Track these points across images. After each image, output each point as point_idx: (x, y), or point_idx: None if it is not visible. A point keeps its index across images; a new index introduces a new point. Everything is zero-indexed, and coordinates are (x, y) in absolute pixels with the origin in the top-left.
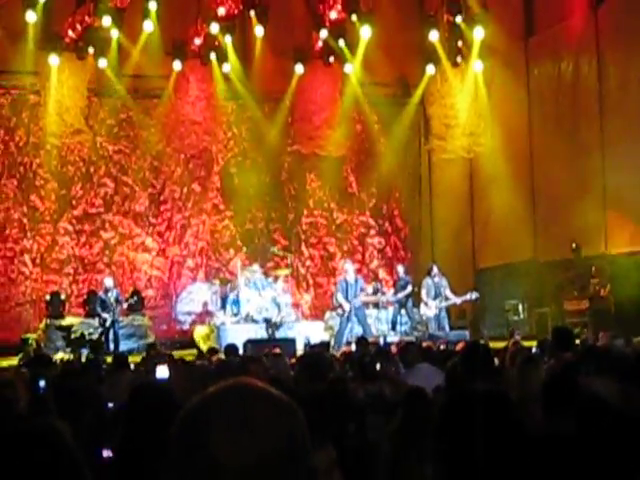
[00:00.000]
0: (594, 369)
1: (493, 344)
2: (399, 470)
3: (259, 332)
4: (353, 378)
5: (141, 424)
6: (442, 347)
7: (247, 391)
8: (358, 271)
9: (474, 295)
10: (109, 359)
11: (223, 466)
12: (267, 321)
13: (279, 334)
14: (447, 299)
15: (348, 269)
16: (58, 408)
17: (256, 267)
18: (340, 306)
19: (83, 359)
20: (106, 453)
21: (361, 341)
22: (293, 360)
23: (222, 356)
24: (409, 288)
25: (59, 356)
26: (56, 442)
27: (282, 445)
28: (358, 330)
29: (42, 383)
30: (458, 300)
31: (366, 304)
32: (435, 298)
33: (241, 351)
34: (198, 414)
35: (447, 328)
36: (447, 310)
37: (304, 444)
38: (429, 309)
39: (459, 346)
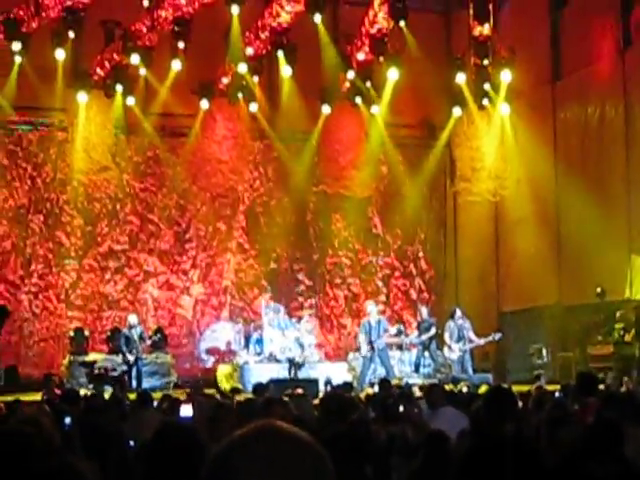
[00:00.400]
0: (618, 414)
1: (517, 388)
2: None
3: (282, 372)
4: (375, 420)
5: (165, 465)
6: (464, 389)
7: (274, 434)
8: (382, 312)
9: (497, 336)
10: (132, 396)
11: None
12: (290, 361)
13: (301, 374)
14: (470, 341)
15: (371, 311)
16: (82, 445)
17: (280, 307)
18: (360, 347)
19: (106, 396)
20: None
21: (384, 383)
22: (316, 401)
23: (247, 395)
24: (433, 330)
25: (82, 392)
26: None
27: None
28: (381, 371)
29: (68, 420)
30: (482, 342)
31: (390, 345)
32: (458, 341)
33: None
34: (226, 457)
35: (470, 371)
36: (471, 353)
37: None
38: (452, 352)
39: (482, 389)
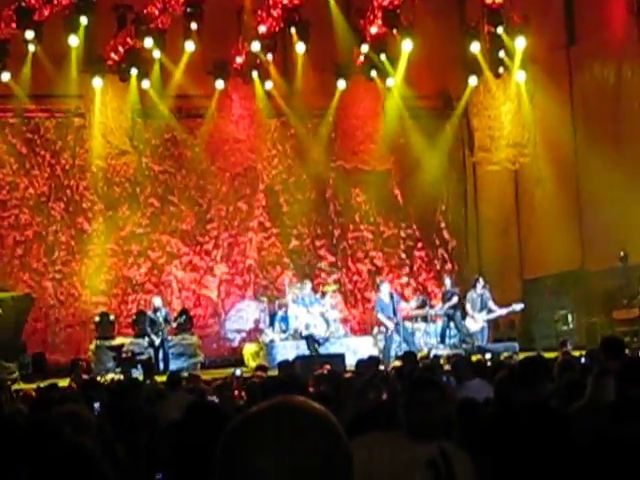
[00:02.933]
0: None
1: (545, 354)
2: None
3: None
4: (403, 393)
5: (195, 442)
6: (488, 357)
7: (289, 409)
8: (406, 284)
9: (518, 306)
10: (160, 378)
11: None
12: (307, 338)
13: (329, 350)
14: (491, 311)
15: (383, 289)
16: (113, 430)
17: (307, 283)
18: (383, 324)
19: (134, 379)
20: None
21: (409, 356)
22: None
23: (274, 372)
24: (454, 299)
25: (109, 377)
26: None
27: (317, 463)
28: (404, 346)
29: (97, 405)
30: (503, 312)
31: (414, 317)
32: (480, 311)
33: None
34: (239, 432)
35: (485, 340)
36: (492, 322)
37: (342, 464)
38: (476, 322)
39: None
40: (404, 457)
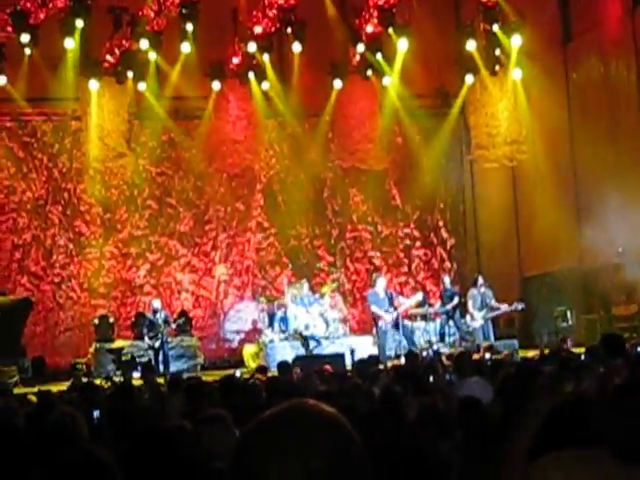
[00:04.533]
0: None
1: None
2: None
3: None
4: (405, 391)
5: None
6: (487, 356)
7: (303, 413)
8: (405, 283)
9: (520, 305)
10: (161, 380)
11: None
12: (303, 338)
13: (329, 349)
14: (492, 310)
15: (378, 284)
16: (113, 433)
17: (304, 284)
18: (379, 318)
19: (134, 382)
20: None
21: (411, 354)
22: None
23: (274, 373)
24: (456, 299)
25: (108, 380)
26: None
27: (330, 463)
28: (404, 343)
29: (96, 413)
30: (504, 310)
31: (414, 316)
32: (481, 309)
33: None
34: (254, 437)
35: (492, 338)
36: (493, 320)
37: (356, 462)
38: (475, 320)
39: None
40: None
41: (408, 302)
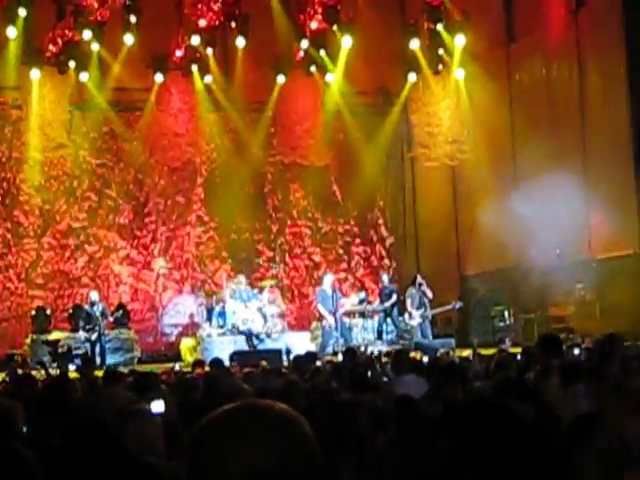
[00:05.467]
0: None
1: (482, 351)
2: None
3: (245, 344)
4: (343, 389)
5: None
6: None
7: (256, 411)
8: (344, 280)
9: (457, 304)
10: (99, 373)
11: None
12: (246, 334)
13: (267, 345)
14: (430, 309)
15: (326, 281)
16: (47, 426)
17: (242, 278)
18: (323, 317)
19: (70, 374)
20: None
21: (349, 351)
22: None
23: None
24: (394, 297)
25: (43, 372)
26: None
27: (283, 458)
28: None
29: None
30: (441, 310)
31: (352, 313)
32: (419, 308)
33: (227, 363)
34: (207, 436)
35: (430, 337)
36: (431, 319)
37: (309, 457)
38: (413, 319)
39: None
40: None
41: (350, 301)
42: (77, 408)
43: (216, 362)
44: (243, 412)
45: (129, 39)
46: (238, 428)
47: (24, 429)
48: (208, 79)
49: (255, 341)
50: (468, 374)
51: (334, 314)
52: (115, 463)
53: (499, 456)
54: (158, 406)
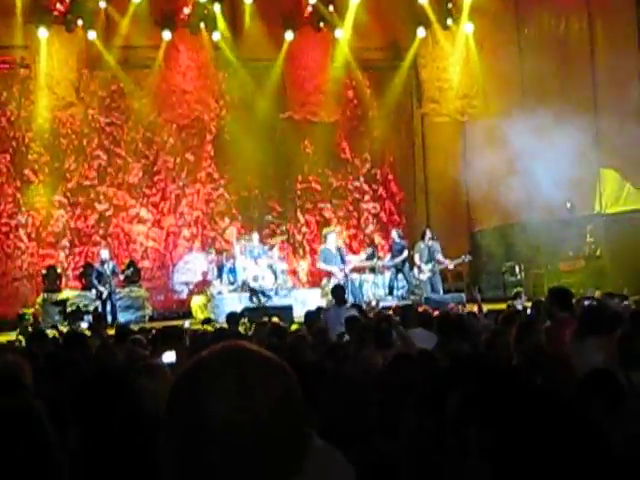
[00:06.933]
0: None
1: (492, 306)
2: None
3: (249, 300)
4: (360, 344)
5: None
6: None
7: (240, 352)
8: (354, 236)
9: (467, 258)
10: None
11: (217, 424)
12: (251, 290)
13: (277, 302)
14: (439, 263)
15: (329, 239)
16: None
17: (254, 236)
18: (332, 274)
19: (81, 332)
20: None
21: (355, 307)
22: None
23: (222, 325)
24: (405, 253)
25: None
26: (32, 421)
27: (275, 406)
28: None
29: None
30: (450, 264)
31: (362, 269)
32: (428, 262)
33: None
34: (192, 375)
35: (441, 291)
36: (441, 273)
37: (298, 408)
38: (422, 273)
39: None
40: None
41: (357, 258)
42: (91, 365)
43: (232, 316)
44: (229, 355)
45: None
46: (225, 371)
47: (31, 385)
48: (216, 36)
49: (263, 298)
50: (475, 328)
51: (342, 269)
52: (128, 414)
53: (503, 411)
54: (169, 356)
